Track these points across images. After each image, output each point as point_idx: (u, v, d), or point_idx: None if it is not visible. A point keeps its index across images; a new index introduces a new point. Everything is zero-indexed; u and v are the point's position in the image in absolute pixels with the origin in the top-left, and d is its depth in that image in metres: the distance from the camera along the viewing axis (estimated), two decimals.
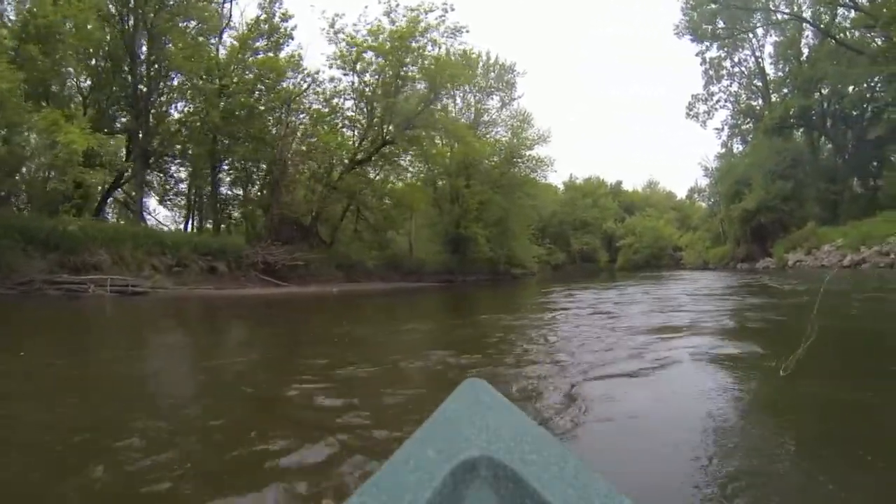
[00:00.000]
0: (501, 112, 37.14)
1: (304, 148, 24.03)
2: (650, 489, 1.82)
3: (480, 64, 35.09)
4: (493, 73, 36.57)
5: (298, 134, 24.39)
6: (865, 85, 33.65)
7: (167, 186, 26.67)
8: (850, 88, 32.93)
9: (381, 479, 0.53)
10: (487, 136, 35.39)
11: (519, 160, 34.77)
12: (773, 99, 39.88)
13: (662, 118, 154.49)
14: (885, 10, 29.01)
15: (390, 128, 25.07)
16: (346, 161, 25.44)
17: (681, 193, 69.70)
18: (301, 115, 25.32)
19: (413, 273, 27.42)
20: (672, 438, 2.31)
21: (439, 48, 24.88)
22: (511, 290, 21.19)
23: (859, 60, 30.23)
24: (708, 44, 41.04)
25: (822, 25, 34.01)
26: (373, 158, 26.43)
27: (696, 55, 41.74)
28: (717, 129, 45.66)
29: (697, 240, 48.52)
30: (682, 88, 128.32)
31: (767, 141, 35.00)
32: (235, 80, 23.31)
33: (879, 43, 29.30)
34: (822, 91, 35.68)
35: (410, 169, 30.86)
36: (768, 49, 40.45)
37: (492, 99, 37.10)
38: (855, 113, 35.40)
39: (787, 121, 36.48)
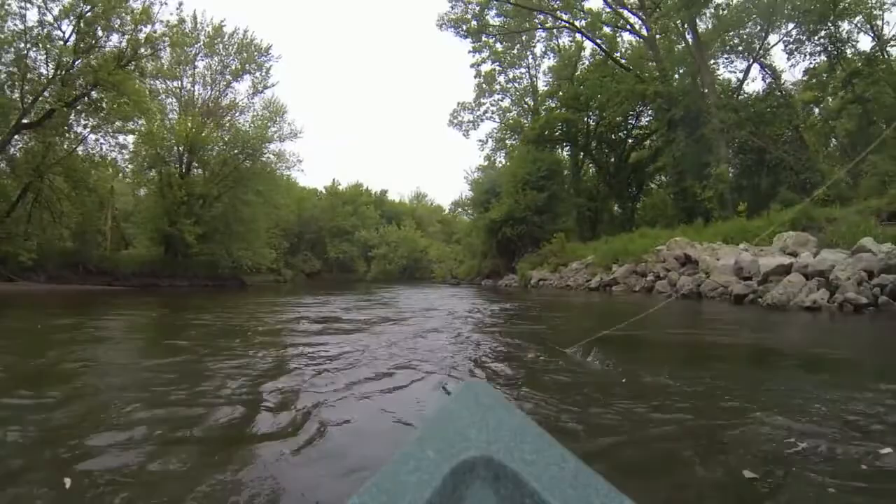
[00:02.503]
0: (253, 99, 30.84)
1: None
2: None
3: (224, 36, 28.76)
4: (244, 53, 29.29)
5: None
6: (633, 112, 31.65)
7: None
8: (617, 111, 30.19)
9: (381, 479, 0.51)
10: (228, 121, 29.74)
11: (265, 154, 30.19)
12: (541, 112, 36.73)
13: (436, 132, 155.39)
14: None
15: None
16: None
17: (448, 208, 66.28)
18: None
19: (105, 274, 22.80)
20: None
21: None
22: (206, 303, 13.21)
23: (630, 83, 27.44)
24: (484, 56, 36.94)
25: (599, 42, 31.11)
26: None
27: (471, 66, 37.18)
28: (480, 140, 41.68)
29: (450, 253, 43.82)
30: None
31: (524, 150, 30.78)
32: None
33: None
34: (592, 111, 32.97)
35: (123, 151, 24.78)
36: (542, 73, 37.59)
37: (242, 82, 30.83)
38: (620, 135, 33.53)
39: (552, 134, 33.00)
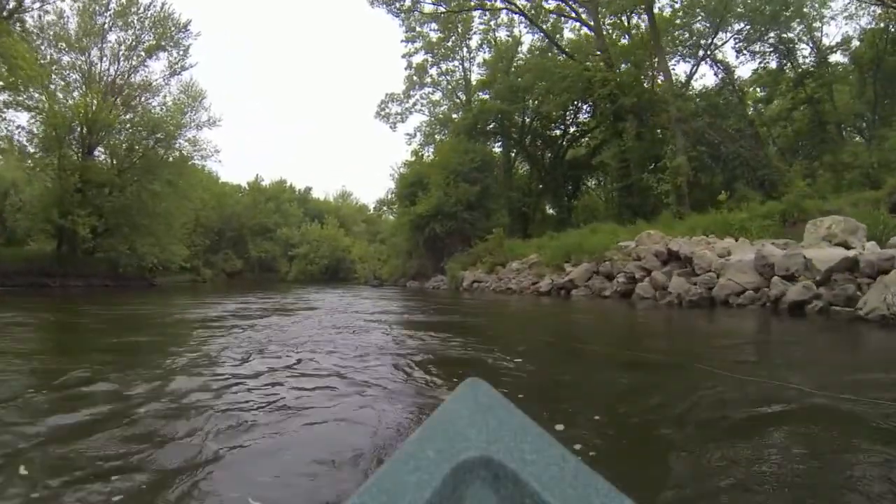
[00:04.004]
0: (170, 80, 26.64)
1: None
2: None
3: (140, 7, 24.49)
4: (160, 28, 24.99)
5: None
6: (572, 105, 28.71)
7: None
8: (558, 102, 27.00)
9: (381, 479, 0.50)
10: (138, 103, 25.69)
11: (178, 142, 26.43)
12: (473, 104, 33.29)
13: (362, 130, 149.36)
14: None
15: None
16: None
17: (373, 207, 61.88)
18: None
19: None
20: None
21: None
22: (103, 307, 10.12)
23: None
24: (417, 46, 33.23)
25: (543, 26, 27.95)
26: None
27: (403, 57, 33.67)
28: (408, 134, 37.74)
29: (374, 253, 39.47)
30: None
31: (455, 140, 27.07)
32: None
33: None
34: (527, 104, 29.71)
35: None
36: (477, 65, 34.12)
37: (157, 60, 26.47)
38: (556, 132, 30.49)
39: (484, 127, 29.43)
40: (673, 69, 25.17)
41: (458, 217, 22.70)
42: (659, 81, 23.14)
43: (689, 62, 25.55)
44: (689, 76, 25.51)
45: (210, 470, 1.75)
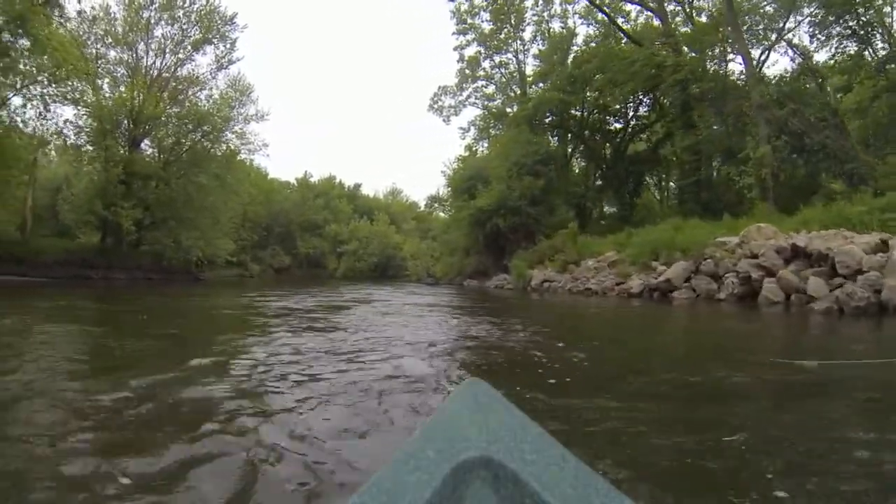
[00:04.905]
0: (217, 74, 26.50)
1: None
2: None
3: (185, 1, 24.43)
4: (206, 21, 24.92)
5: None
6: (634, 97, 27.46)
7: None
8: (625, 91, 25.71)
9: (381, 479, 0.50)
10: (186, 97, 25.56)
11: (226, 135, 26.21)
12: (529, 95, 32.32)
13: (412, 129, 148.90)
14: None
15: None
16: None
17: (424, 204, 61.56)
18: None
19: (18, 262, 18.70)
20: None
21: None
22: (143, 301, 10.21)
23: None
24: (469, 38, 32.94)
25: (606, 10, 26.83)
26: None
27: (454, 49, 33.16)
28: (461, 128, 36.96)
29: (426, 250, 38.98)
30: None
31: (515, 131, 26.17)
32: None
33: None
34: (586, 97, 28.53)
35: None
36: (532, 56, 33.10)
37: (204, 55, 26.01)
38: (617, 126, 29.23)
39: (542, 118, 28.39)
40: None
41: (521, 212, 21.79)
42: (730, 68, 21.74)
43: (760, 48, 23.97)
44: (760, 63, 23.91)
45: None
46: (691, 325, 7.24)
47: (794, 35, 23.30)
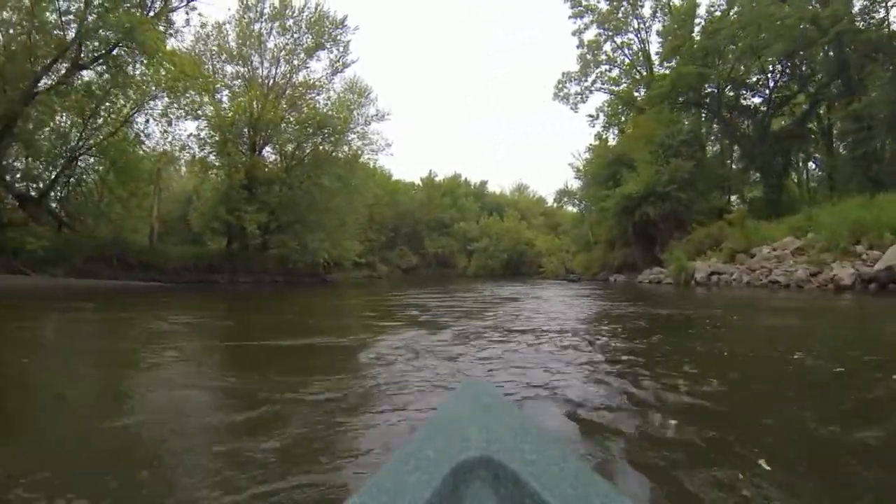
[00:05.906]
0: (333, 79, 26.69)
1: None
2: None
3: (294, 11, 24.94)
4: (317, 27, 25.26)
5: None
6: (772, 69, 24.29)
7: None
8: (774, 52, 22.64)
9: (381, 479, 0.50)
10: (304, 102, 25.57)
11: (348, 137, 26.28)
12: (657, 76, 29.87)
13: (535, 123, 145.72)
14: None
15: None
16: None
17: (552, 199, 60.06)
18: None
19: (149, 268, 19.11)
20: None
21: None
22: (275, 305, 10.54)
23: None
24: (587, 21, 31.65)
25: None
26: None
27: (573, 34, 32.06)
28: (590, 115, 35.23)
29: (561, 246, 37.89)
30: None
31: (654, 111, 24.31)
32: None
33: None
34: (721, 70, 25.61)
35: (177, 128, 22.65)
36: (655, 33, 30.79)
37: (319, 60, 26.66)
38: (757, 101, 26.14)
39: (677, 96, 25.97)
40: None
41: (671, 197, 20.24)
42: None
43: None
44: None
45: None
46: None
47: None
